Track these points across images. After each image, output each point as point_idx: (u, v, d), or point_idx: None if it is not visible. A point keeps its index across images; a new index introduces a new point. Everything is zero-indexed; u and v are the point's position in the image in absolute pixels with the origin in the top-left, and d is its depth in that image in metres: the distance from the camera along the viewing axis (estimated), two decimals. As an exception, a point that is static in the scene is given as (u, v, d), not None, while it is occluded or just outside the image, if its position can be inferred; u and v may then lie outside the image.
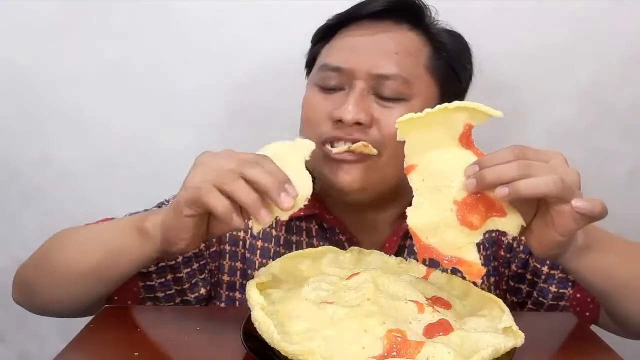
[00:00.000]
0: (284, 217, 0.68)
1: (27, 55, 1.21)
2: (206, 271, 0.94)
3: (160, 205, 0.96)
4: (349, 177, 0.87)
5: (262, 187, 0.67)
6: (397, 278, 0.71)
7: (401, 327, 0.61)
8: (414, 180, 0.70)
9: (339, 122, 0.86)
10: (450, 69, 0.93)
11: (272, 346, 0.59)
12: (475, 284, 0.68)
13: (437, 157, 0.69)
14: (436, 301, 0.68)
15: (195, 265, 0.93)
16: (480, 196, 0.67)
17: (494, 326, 0.64)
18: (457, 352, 0.58)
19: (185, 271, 0.92)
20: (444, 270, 0.79)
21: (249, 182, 0.67)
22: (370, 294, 0.66)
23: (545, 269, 0.91)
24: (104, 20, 1.20)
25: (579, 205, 0.65)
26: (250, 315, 0.64)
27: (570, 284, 0.90)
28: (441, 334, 0.62)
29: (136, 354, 0.66)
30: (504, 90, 1.21)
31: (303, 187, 0.69)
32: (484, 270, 0.66)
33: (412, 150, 0.70)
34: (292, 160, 0.72)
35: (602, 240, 0.75)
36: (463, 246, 0.67)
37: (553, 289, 0.91)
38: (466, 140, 0.69)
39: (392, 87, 0.87)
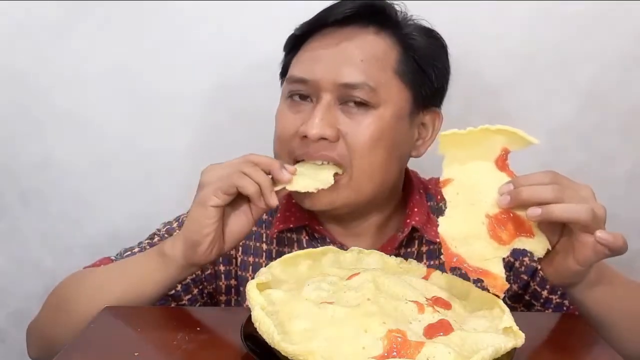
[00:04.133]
0: (290, 188, 0.80)
1: (27, 56, 1.21)
2: (205, 293, 0.96)
3: (158, 234, 0.97)
4: (316, 202, 0.87)
5: (264, 165, 0.78)
6: (397, 278, 0.71)
7: (401, 327, 0.61)
8: (448, 193, 0.71)
9: (305, 137, 0.86)
10: (419, 68, 0.90)
11: (272, 346, 0.59)
12: (497, 297, 0.68)
13: (473, 174, 0.71)
14: (436, 301, 0.68)
15: (195, 291, 0.94)
16: (511, 215, 0.69)
17: (494, 326, 0.64)
18: (457, 352, 0.58)
19: (187, 297, 0.94)
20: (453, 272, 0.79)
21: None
22: (370, 294, 0.66)
23: (545, 293, 0.92)
24: (104, 21, 1.20)
25: (601, 236, 0.66)
26: (250, 315, 0.64)
27: (565, 308, 0.92)
28: (441, 334, 0.62)
29: (136, 354, 0.66)
30: (504, 90, 1.21)
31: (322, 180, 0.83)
32: (507, 285, 0.67)
33: (450, 165, 0.72)
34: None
35: (607, 275, 0.77)
36: (490, 258, 0.68)
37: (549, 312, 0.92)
38: (502, 163, 0.71)
39: (359, 95, 0.86)
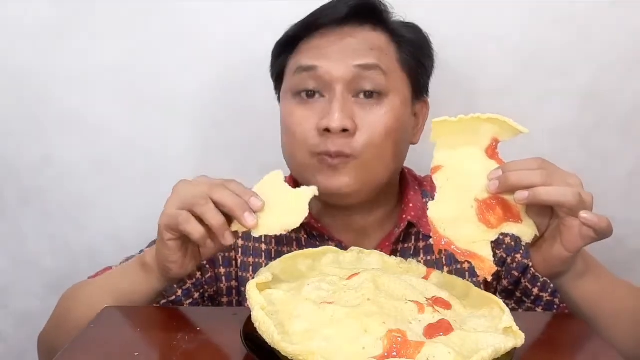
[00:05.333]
0: (255, 234, 0.73)
1: (27, 55, 1.21)
2: (206, 297, 0.96)
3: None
4: (345, 180, 0.88)
5: (228, 207, 0.72)
6: (397, 278, 0.71)
7: (401, 327, 0.61)
8: (438, 179, 0.73)
9: (325, 130, 0.86)
10: (417, 60, 0.94)
11: (272, 346, 0.59)
12: (485, 280, 0.69)
13: (464, 161, 0.73)
14: (436, 301, 0.68)
15: (196, 295, 0.95)
16: (500, 200, 0.70)
17: (494, 326, 0.64)
18: (457, 352, 0.58)
19: (187, 302, 0.94)
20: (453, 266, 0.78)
21: (217, 204, 0.72)
22: (370, 294, 0.66)
23: (536, 290, 0.93)
24: (104, 20, 1.20)
25: (586, 216, 0.67)
26: (250, 315, 0.64)
27: (555, 306, 0.93)
28: (441, 334, 0.62)
29: (136, 354, 0.66)
30: (504, 90, 1.21)
31: (294, 215, 0.74)
32: (495, 268, 0.68)
33: (440, 153, 0.73)
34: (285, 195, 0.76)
35: (595, 267, 0.78)
36: (478, 241, 0.69)
37: (539, 310, 0.93)
38: (492, 152, 0.73)
39: (372, 78, 0.88)
